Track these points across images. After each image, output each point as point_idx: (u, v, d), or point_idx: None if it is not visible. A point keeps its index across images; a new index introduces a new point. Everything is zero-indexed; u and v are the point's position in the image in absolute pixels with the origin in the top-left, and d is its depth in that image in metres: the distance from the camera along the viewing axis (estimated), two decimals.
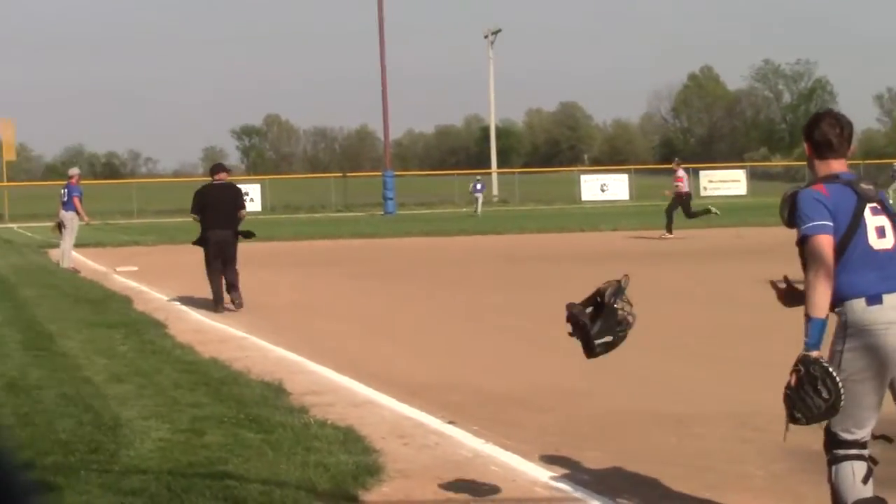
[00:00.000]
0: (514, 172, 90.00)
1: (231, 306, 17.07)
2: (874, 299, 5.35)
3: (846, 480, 5.47)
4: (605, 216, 47.69)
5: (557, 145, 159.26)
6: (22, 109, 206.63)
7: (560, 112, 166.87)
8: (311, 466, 7.17)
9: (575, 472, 7.26)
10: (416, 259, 26.92)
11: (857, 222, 5.42)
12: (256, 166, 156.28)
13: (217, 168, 18.89)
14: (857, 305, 5.36)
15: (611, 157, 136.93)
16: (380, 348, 13.25)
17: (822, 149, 5.62)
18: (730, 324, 14.57)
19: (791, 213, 5.52)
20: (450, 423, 8.79)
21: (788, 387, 5.33)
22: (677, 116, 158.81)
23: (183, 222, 47.93)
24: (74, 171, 26.32)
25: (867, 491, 5.46)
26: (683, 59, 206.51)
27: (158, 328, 14.37)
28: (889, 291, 5.37)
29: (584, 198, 75.39)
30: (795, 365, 5.30)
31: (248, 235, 18.22)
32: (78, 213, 25.26)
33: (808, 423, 5.39)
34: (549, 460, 7.58)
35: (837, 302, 5.38)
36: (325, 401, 9.62)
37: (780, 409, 5.40)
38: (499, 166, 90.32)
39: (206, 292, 17.30)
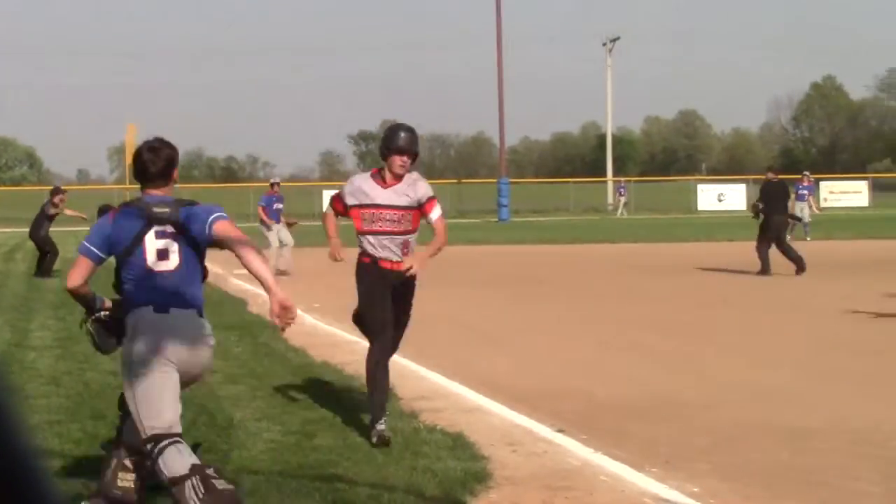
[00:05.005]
0: (629, 181, 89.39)
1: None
2: None
3: None
4: (722, 226, 47.11)
5: (675, 154, 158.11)
6: (144, 113, 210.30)
7: (678, 120, 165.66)
8: (419, 471, 7.19)
9: (685, 485, 7.16)
10: (529, 266, 26.83)
11: None
12: None
13: (770, 168, 26.21)
14: None
15: (729, 167, 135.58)
16: (491, 355, 13.23)
17: None
18: (849, 338, 14.29)
19: None
20: (559, 431, 8.74)
21: None
22: (798, 126, 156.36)
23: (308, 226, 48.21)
24: (273, 180, 27.01)
25: None
26: (805, 69, 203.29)
27: (272, 331, 14.51)
28: None
29: (700, 207, 74.75)
30: None
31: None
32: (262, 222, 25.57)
33: None
34: (659, 472, 7.49)
35: None
36: (434, 406, 9.64)
37: None
38: (614, 174, 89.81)
39: (325, 298, 17.35)
